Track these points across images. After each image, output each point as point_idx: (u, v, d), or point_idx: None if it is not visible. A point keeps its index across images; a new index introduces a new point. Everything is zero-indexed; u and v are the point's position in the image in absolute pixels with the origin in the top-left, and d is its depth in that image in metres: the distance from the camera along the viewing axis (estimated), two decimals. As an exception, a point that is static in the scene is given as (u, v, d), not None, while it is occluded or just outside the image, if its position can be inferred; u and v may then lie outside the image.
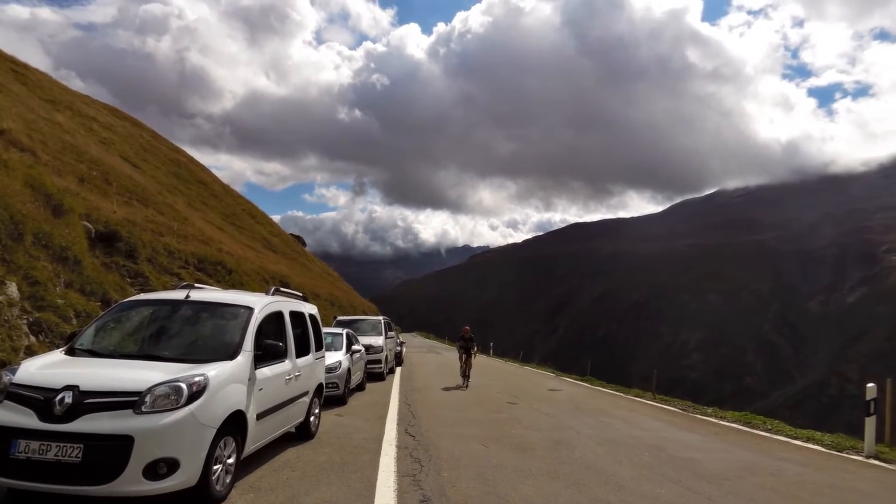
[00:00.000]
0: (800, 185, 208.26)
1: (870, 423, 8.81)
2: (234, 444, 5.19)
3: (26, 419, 4.33)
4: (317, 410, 8.28)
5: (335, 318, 19.74)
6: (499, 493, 5.78)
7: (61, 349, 5.68)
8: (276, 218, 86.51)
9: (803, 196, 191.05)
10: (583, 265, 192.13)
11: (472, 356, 17.17)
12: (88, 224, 16.85)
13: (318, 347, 8.30)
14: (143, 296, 6.84)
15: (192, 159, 57.84)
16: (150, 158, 42.43)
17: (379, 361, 16.47)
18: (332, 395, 11.08)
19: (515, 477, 6.49)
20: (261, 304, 6.43)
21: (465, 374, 16.90)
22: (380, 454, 7.23)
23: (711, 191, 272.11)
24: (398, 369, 20.94)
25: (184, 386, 4.61)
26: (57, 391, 4.43)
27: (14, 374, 4.69)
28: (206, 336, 5.77)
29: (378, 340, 16.92)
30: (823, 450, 9.30)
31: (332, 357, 11.16)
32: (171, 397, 4.54)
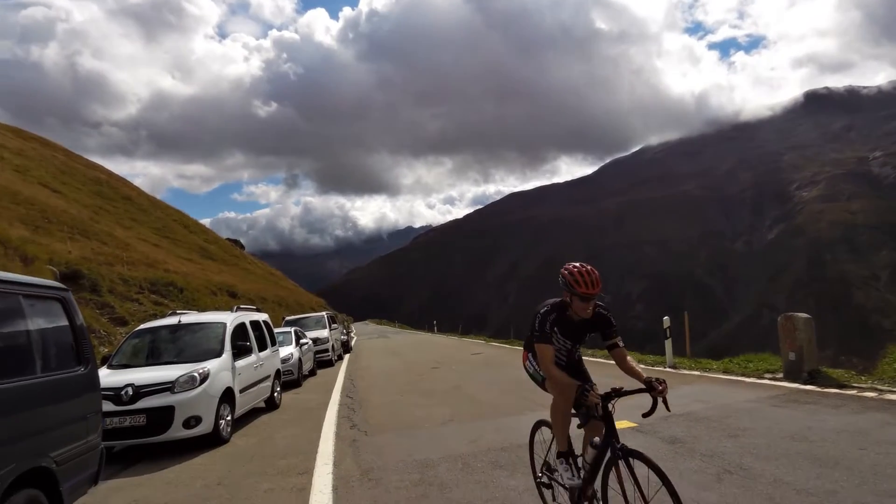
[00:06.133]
0: (715, 135, 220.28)
1: (668, 344, 12.74)
2: (229, 407, 8.45)
3: (107, 406, 7.39)
4: (278, 389, 11.54)
5: (283, 318, 22.80)
6: (399, 417, 9.26)
7: (103, 367, 8.69)
8: (206, 222, 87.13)
9: (719, 145, 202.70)
10: (525, 233, 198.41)
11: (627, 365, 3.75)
12: (53, 268, 19.27)
13: (273, 343, 11.57)
14: (147, 324, 9.91)
15: (111, 174, 57.78)
16: (69, 181, 42.76)
17: (326, 350, 19.78)
18: (288, 380, 14.24)
19: (414, 408, 9.97)
20: (230, 319, 9.62)
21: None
22: (326, 410, 10.57)
23: (637, 148, 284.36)
24: (346, 356, 24.22)
25: (196, 375, 7.83)
26: (121, 388, 7.54)
27: (90, 383, 7.73)
28: (199, 345, 8.93)
29: (323, 333, 20.21)
30: (643, 366, 13.20)
31: (285, 351, 14.31)
32: (190, 382, 7.73)
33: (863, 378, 8.73)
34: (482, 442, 6.92)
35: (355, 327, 65.04)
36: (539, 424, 4.46)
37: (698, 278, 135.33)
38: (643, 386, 3.42)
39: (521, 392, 10.72)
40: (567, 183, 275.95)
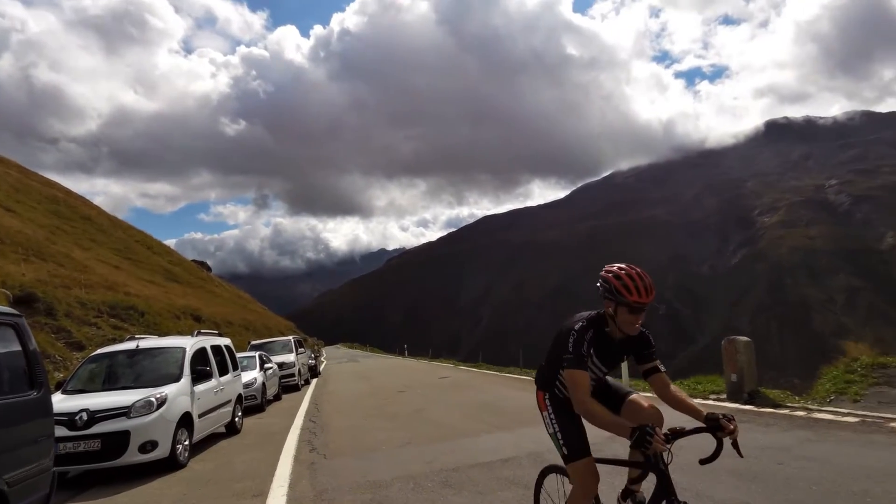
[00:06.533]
0: (682, 162, 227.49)
1: (624, 367, 13.05)
2: (187, 432, 8.46)
3: (61, 431, 7.38)
4: (239, 413, 11.53)
5: (249, 342, 22.63)
6: (360, 440, 9.37)
7: (58, 392, 8.65)
8: (171, 243, 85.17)
9: (685, 171, 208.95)
10: (498, 256, 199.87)
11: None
12: (6, 291, 18.86)
13: (234, 368, 11.58)
14: (105, 349, 9.88)
15: (69, 192, 55.89)
16: (24, 199, 41.41)
17: (292, 375, 19.67)
18: (251, 405, 14.17)
19: (377, 432, 10.07)
20: (190, 343, 9.66)
21: None
22: (287, 434, 10.60)
23: (608, 173, 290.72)
24: (314, 381, 24.08)
25: (154, 400, 7.85)
26: (75, 413, 7.53)
27: (45, 408, 7.71)
28: (158, 369, 8.95)
29: (289, 357, 20.12)
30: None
31: (248, 375, 14.27)
32: (147, 407, 7.76)
33: (797, 398, 9.19)
34: (436, 463, 7.10)
35: (326, 351, 64.50)
36: (549, 471, 3.67)
37: (667, 301, 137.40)
38: (703, 424, 2.71)
39: (481, 415, 10.94)
40: (540, 206, 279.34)
